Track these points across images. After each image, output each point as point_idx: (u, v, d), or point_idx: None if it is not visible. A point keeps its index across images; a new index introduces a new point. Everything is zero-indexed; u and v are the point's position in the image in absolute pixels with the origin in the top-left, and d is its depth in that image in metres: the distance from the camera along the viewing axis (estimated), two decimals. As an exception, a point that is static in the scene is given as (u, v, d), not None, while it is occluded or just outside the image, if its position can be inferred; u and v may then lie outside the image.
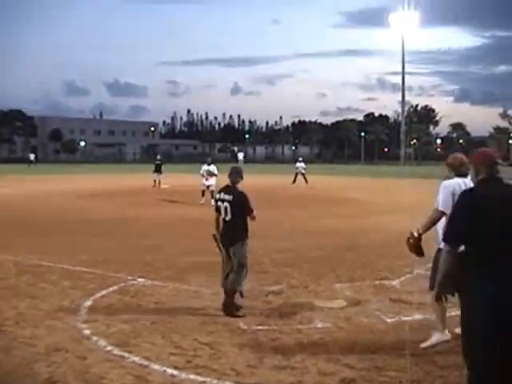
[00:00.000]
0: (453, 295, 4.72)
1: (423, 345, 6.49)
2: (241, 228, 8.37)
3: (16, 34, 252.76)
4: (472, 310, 4.32)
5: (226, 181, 8.73)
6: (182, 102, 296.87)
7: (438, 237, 6.24)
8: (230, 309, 8.09)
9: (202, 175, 24.99)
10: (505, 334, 4.25)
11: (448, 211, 6.24)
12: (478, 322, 4.26)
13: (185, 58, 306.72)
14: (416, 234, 6.24)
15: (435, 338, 6.45)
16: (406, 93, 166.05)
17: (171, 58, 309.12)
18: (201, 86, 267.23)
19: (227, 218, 8.39)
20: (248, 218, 8.42)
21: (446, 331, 6.41)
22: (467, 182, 6.43)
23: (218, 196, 8.61)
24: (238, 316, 7.98)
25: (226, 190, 8.54)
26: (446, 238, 4.48)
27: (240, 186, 8.66)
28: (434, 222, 6.44)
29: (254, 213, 8.44)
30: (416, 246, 6.25)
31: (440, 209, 6.43)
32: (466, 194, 4.50)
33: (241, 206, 8.34)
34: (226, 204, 8.36)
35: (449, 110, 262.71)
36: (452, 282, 4.52)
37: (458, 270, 4.38)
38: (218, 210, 8.48)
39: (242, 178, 8.74)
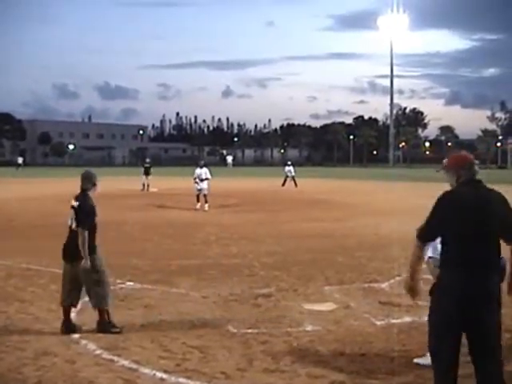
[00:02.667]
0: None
1: (416, 360, 6.42)
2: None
3: (6, 36, 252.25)
4: (441, 309, 4.46)
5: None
6: (173, 105, 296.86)
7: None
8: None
9: (194, 179, 24.83)
10: (470, 333, 4.43)
11: (432, 255, 6.28)
12: (444, 322, 4.44)
13: (176, 61, 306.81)
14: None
15: (429, 359, 6.37)
16: (397, 96, 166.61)
17: (162, 61, 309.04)
18: (192, 89, 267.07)
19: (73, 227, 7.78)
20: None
21: None
22: None
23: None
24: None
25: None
26: (418, 234, 4.64)
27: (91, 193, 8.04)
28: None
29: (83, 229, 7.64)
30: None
31: (427, 257, 6.36)
32: (445, 195, 4.56)
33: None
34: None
35: (439, 113, 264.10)
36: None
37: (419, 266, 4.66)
38: None
39: (95, 185, 8.09)
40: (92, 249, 7.68)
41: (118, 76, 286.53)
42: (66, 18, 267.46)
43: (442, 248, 4.56)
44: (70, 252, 7.65)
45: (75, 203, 7.79)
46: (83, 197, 7.87)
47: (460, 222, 4.39)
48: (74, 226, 7.73)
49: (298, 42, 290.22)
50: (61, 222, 19.39)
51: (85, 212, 7.72)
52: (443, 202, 4.51)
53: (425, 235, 4.63)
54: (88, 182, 8.04)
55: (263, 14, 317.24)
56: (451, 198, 4.54)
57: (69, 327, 7.45)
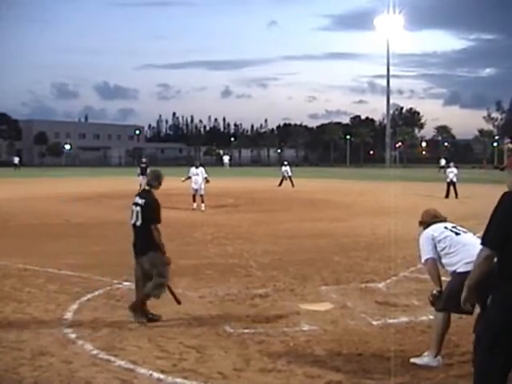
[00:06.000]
0: (473, 307, 4.61)
1: (413, 360, 6.45)
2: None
3: (5, 36, 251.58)
4: (494, 322, 4.17)
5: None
6: (173, 105, 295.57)
7: (451, 259, 6.19)
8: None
9: (188, 177, 24.77)
10: None
11: (432, 255, 6.27)
12: (495, 336, 4.13)
13: (176, 61, 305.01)
14: (436, 292, 6.23)
15: (426, 359, 6.39)
16: (397, 96, 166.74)
17: (162, 60, 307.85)
18: (192, 89, 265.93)
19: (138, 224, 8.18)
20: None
21: (439, 357, 6.33)
22: (446, 225, 6.46)
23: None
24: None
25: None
26: (485, 241, 4.29)
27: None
28: (435, 273, 6.34)
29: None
30: None
31: (425, 259, 6.38)
32: (504, 197, 4.28)
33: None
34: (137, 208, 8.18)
35: (438, 113, 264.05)
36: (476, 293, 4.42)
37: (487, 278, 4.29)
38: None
39: (160, 184, 8.42)
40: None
41: (117, 76, 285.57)
42: (66, 18, 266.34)
43: (501, 255, 4.21)
44: (139, 247, 8.15)
45: (140, 200, 8.15)
46: (148, 193, 8.23)
47: None
48: (138, 223, 8.13)
49: (297, 42, 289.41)
50: (58, 222, 19.57)
51: (152, 208, 8.05)
52: (503, 203, 4.24)
53: (494, 240, 4.21)
54: (155, 179, 8.36)
55: (262, 15, 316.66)
56: (510, 199, 4.25)
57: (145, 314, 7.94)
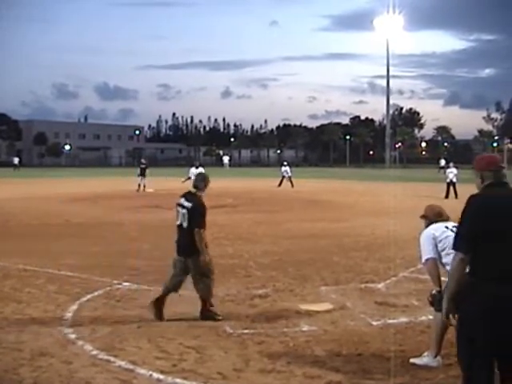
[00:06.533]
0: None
1: (412, 360, 6.46)
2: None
3: (5, 36, 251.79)
4: (471, 322, 4.22)
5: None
6: (173, 105, 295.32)
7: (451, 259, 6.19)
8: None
9: (188, 178, 24.79)
10: (505, 341, 4.18)
11: (432, 255, 6.25)
12: (477, 328, 4.18)
13: (176, 62, 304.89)
14: (435, 292, 6.23)
15: (425, 360, 6.40)
16: (397, 96, 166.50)
17: (163, 61, 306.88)
18: (192, 90, 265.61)
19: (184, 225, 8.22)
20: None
21: (438, 358, 6.34)
22: (447, 224, 6.41)
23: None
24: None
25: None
26: (457, 246, 4.35)
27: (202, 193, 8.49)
28: (435, 274, 6.33)
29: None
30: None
31: (425, 259, 6.35)
32: (473, 199, 4.36)
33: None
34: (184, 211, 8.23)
35: (438, 114, 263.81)
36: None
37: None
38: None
39: (205, 187, 8.61)
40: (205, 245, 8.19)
41: (117, 76, 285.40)
42: (66, 18, 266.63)
43: (474, 256, 4.26)
44: (183, 248, 8.19)
45: (187, 203, 8.22)
46: (195, 197, 8.35)
47: (492, 226, 4.18)
48: (185, 225, 8.16)
49: (296, 43, 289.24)
50: (58, 222, 19.57)
51: (199, 213, 8.15)
52: (470, 206, 4.32)
53: (466, 244, 4.27)
54: (201, 181, 8.57)
55: (262, 15, 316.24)
56: (478, 201, 4.35)
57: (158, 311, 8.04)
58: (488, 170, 4.48)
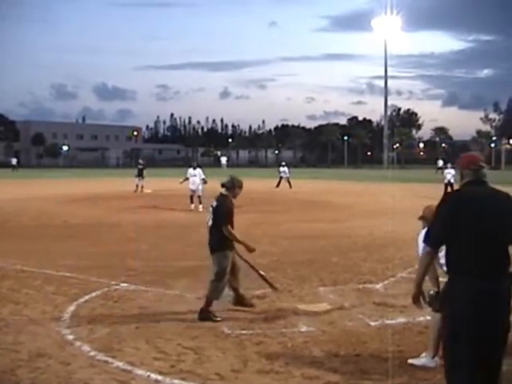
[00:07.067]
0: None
1: (410, 360, 6.46)
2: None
3: (4, 36, 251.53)
4: (455, 317, 4.31)
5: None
6: (172, 106, 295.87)
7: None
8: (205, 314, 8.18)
9: (186, 179, 24.79)
10: (482, 335, 4.25)
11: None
12: (460, 329, 4.26)
13: (175, 62, 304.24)
14: (432, 293, 6.20)
15: (423, 360, 6.39)
16: (395, 97, 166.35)
17: (162, 61, 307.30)
18: (191, 90, 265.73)
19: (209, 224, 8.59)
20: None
21: (436, 358, 6.34)
22: None
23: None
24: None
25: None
26: (426, 240, 4.48)
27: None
28: (432, 275, 6.29)
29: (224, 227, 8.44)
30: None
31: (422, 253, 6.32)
32: (450, 196, 4.49)
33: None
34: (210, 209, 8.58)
35: (437, 114, 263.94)
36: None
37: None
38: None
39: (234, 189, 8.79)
40: (227, 245, 8.48)
41: (116, 77, 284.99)
42: (66, 18, 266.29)
43: (448, 253, 4.42)
44: (210, 246, 8.55)
45: (214, 203, 8.61)
46: (222, 197, 8.66)
47: (469, 223, 4.27)
48: (209, 223, 8.58)
49: (295, 43, 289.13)
50: (56, 223, 19.54)
51: (220, 211, 8.49)
52: (447, 202, 4.43)
53: (434, 239, 4.44)
54: (231, 183, 8.74)
55: (261, 15, 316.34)
56: (455, 198, 4.48)
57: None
58: (468, 169, 4.56)
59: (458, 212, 4.30)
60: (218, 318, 8.04)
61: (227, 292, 8.60)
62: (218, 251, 8.41)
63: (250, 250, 8.68)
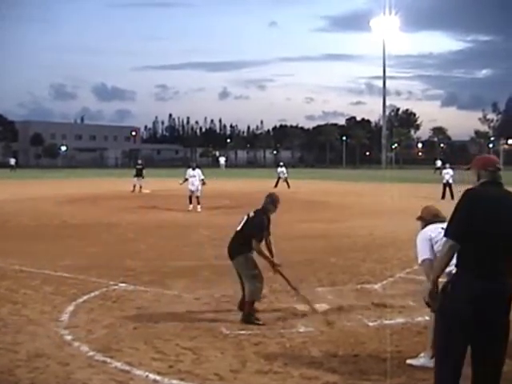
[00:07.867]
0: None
1: (409, 361, 6.46)
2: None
3: (3, 36, 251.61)
4: (454, 309, 4.36)
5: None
6: (171, 106, 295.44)
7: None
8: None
9: (186, 180, 24.79)
10: (481, 335, 4.32)
11: (429, 256, 6.23)
12: (457, 322, 4.33)
13: (174, 62, 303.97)
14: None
15: (422, 361, 6.40)
16: (394, 97, 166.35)
17: (161, 61, 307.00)
18: (190, 91, 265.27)
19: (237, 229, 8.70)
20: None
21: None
22: (444, 226, 6.39)
23: None
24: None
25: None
26: (448, 233, 4.48)
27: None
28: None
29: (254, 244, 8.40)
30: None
31: (421, 260, 6.32)
32: (468, 193, 4.50)
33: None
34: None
35: (436, 115, 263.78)
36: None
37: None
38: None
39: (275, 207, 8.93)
40: (247, 249, 8.39)
41: (115, 77, 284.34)
42: (66, 19, 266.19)
43: (463, 247, 4.40)
44: (231, 250, 8.58)
45: (251, 213, 8.77)
46: (260, 211, 8.81)
47: (483, 222, 4.33)
48: (238, 228, 8.73)
49: (294, 43, 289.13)
50: (55, 223, 19.53)
51: (254, 223, 8.59)
52: (466, 198, 4.46)
53: (457, 231, 4.41)
54: (270, 202, 8.95)
55: (261, 16, 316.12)
56: (472, 195, 4.49)
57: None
58: (485, 170, 4.62)
59: (474, 210, 4.38)
60: (260, 322, 8.01)
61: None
62: (238, 255, 8.41)
63: (274, 268, 8.61)
